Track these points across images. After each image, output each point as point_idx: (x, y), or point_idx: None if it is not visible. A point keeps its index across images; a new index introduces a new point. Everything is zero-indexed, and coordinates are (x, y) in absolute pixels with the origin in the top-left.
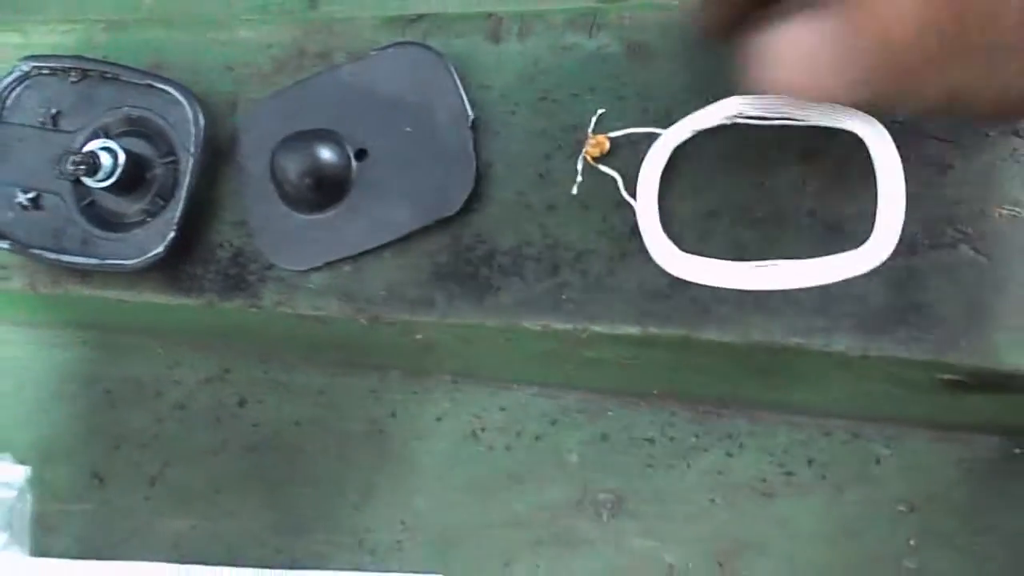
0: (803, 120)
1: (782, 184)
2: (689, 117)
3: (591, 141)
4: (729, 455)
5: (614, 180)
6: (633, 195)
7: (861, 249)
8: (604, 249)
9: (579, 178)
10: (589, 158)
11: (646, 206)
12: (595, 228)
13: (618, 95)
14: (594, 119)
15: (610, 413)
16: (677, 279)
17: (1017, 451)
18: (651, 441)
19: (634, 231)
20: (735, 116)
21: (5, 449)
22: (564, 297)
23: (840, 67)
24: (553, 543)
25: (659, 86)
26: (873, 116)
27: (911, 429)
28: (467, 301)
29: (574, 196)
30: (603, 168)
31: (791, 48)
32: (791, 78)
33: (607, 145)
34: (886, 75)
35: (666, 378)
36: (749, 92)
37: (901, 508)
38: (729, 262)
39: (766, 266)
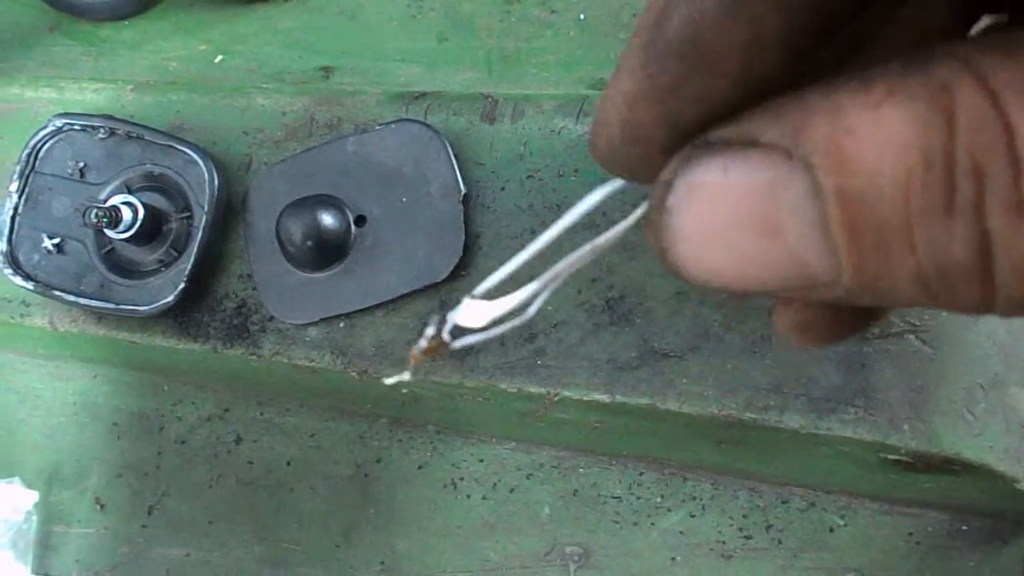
0: None
1: None
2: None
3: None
4: (692, 516)
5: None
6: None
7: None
8: (579, 321)
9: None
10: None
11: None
12: (572, 301)
13: (601, 177)
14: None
15: (581, 470)
16: (645, 352)
17: (964, 528)
18: (619, 499)
19: (608, 305)
20: None
21: (16, 472)
22: (539, 363)
23: (785, 245)
24: None
25: None
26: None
27: (864, 501)
28: (450, 361)
29: None
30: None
31: (704, 205)
32: (697, 259)
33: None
34: (863, 253)
35: (634, 441)
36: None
37: None
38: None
39: None
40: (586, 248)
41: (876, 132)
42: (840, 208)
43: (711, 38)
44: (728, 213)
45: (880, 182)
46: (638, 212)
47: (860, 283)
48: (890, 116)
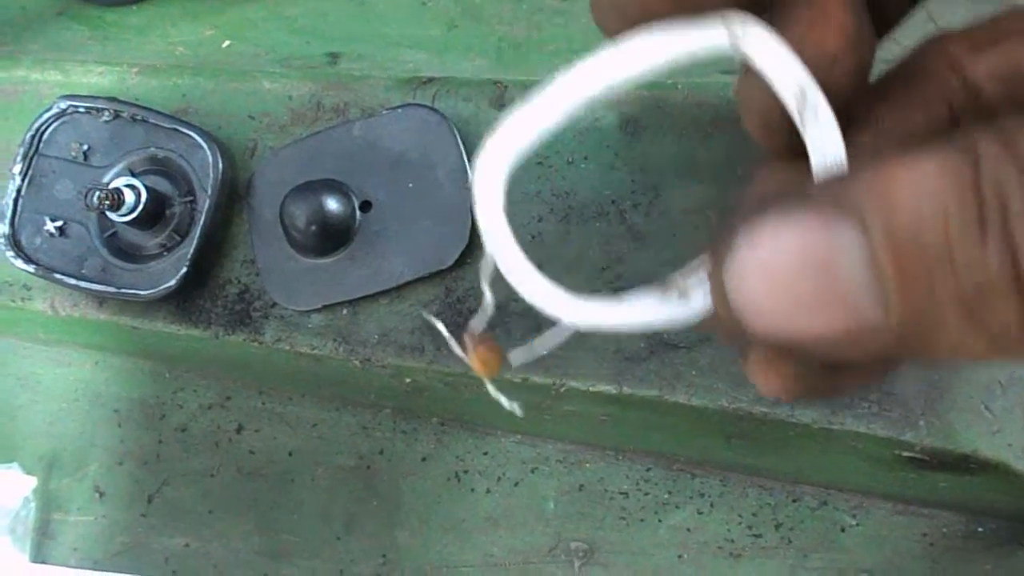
0: None
1: None
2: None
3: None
4: (700, 513)
5: (598, 241)
6: None
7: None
8: None
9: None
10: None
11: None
12: (580, 290)
13: (610, 165)
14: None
15: (587, 465)
16: (654, 343)
17: (979, 529)
18: (625, 495)
19: (616, 294)
20: None
21: (15, 458)
22: (545, 353)
23: (841, 296)
24: None
25: (648, 159)
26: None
27: (877, 501)
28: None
29: (562, 257)
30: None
31: (766, 249)
32: (760, 303)
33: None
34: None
35: (641, 436)
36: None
37: None
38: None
39: None
40: None
41: (916, 177)
42: (887, 242)
43: None
44: (787, 258)
45: (922, 215)
46: None
47: (908, 317)
48: (928, 165)
